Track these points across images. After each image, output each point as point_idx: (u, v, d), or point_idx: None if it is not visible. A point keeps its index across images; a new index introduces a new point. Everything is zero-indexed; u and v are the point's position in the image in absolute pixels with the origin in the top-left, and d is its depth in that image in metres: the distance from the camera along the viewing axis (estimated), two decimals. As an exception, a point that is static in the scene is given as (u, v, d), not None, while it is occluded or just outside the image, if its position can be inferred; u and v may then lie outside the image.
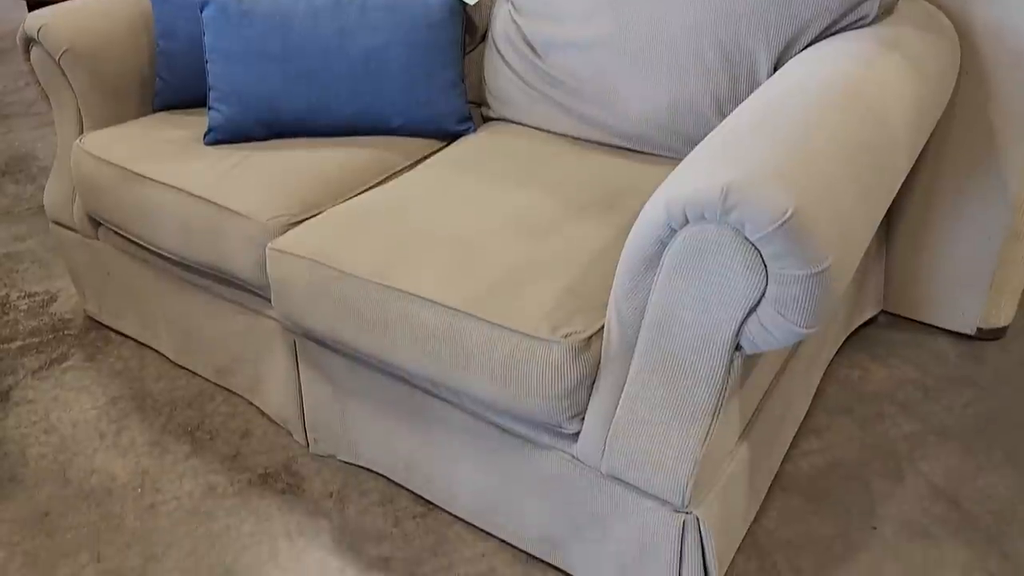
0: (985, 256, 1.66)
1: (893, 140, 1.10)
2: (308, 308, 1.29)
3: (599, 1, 1.47)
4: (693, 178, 0.94)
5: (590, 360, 1.07)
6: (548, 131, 1.61)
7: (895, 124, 1.12)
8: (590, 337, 1.07)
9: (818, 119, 1.03)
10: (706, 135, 1.42)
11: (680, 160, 1.48)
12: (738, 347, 0.99)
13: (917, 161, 1.65)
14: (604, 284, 1.15)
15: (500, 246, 1.22)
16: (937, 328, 1.80)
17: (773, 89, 1.14)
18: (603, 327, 1.08)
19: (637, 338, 1.04)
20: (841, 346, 1.75)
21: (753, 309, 0.95)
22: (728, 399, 1.05)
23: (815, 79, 1.13)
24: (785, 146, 0.96)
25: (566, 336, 1.06)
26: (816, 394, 1.63)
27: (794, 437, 1.52)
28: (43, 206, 2.41)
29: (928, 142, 1.63)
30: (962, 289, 1.72)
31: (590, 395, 1.10)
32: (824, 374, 1.68)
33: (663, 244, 0.98)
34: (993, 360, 1.71)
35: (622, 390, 1.07)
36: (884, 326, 1.82)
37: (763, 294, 0.93)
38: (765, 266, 0.92)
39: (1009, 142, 1.55)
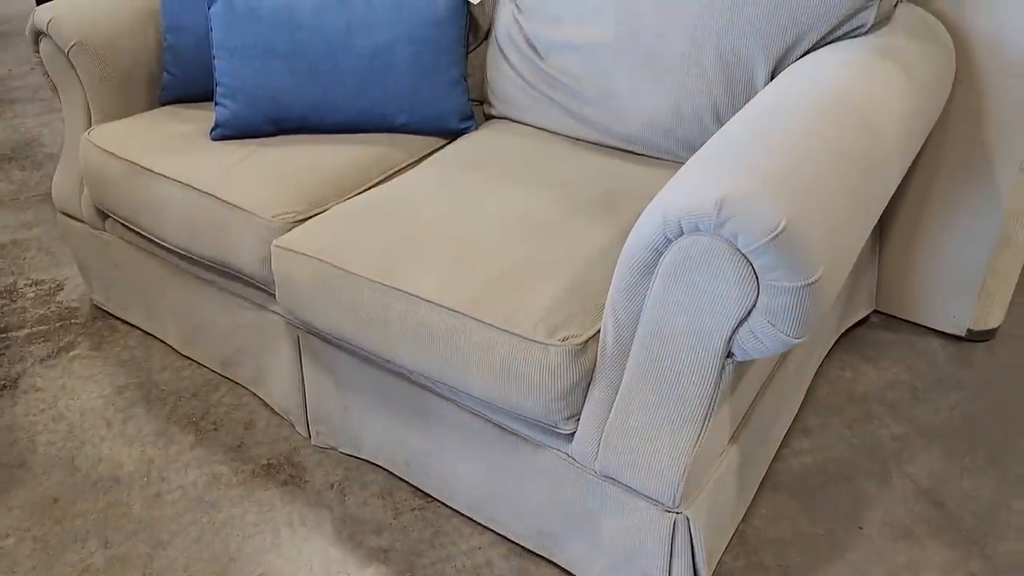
0: (976, 261, 1.69)
1: (885, 151, 1.13)
2: (312, 305, 1.32)
3: (601, 6, 1.49)
4: (688, 189, 0.97)
5: (586, 363, 1.11)
6: (549, 131, 1.63)
7: (887, 135, 1.15)
8: (587, 341, 1.10)
9: (811, 131, 1.06)
10: (704, 140, 1.45)
11: (679, 163, 1.50)
12: (730, 354, 1.03)
13: (911, 166, 1.68)
14: (601, 286, 1.18)
15: (500, 246, 1.25)
16: (928, 329, 1.83)
17: (768, 99, 1.16)
18: (599, 331, 1.11)
19: (632, 343, 1.07)
20: (833, 345, 1.79)
21: (745, 318, 0.98)
22: (719, 404, 1.08)
23: (809, 90, 1.16)
24: (778, 158, 0.99)
25: (563, 340, 1.09)
26: (808, 393, 1.66)
27: (785, 436, 1.56)
28: (49, 193, 2.44)
29: (923, 148, 1.65)
30: (953, 292, 1.75)
31: (585, 397, 1.13)
32: (816, 374, 1.71)
33: (659, 253, 1.01)
34: (981, 363, 1.74)
35: (616, 393, 1.10)
36: (876, 326, 1.85)
37: (755, 304, 0.97)
38: (757, 277, 0.95)
39: (1001, 151, 1.57)
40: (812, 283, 0.92)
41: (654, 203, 1.01)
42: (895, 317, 1.87)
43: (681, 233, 0.98)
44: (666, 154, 1.50)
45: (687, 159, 1.49)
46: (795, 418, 1.60)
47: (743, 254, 0.94)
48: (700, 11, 1.38)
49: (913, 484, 1.47)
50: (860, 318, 1.84)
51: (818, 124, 1.07)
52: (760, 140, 1.04)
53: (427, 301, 1.18)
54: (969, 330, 1.78)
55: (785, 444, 1.55)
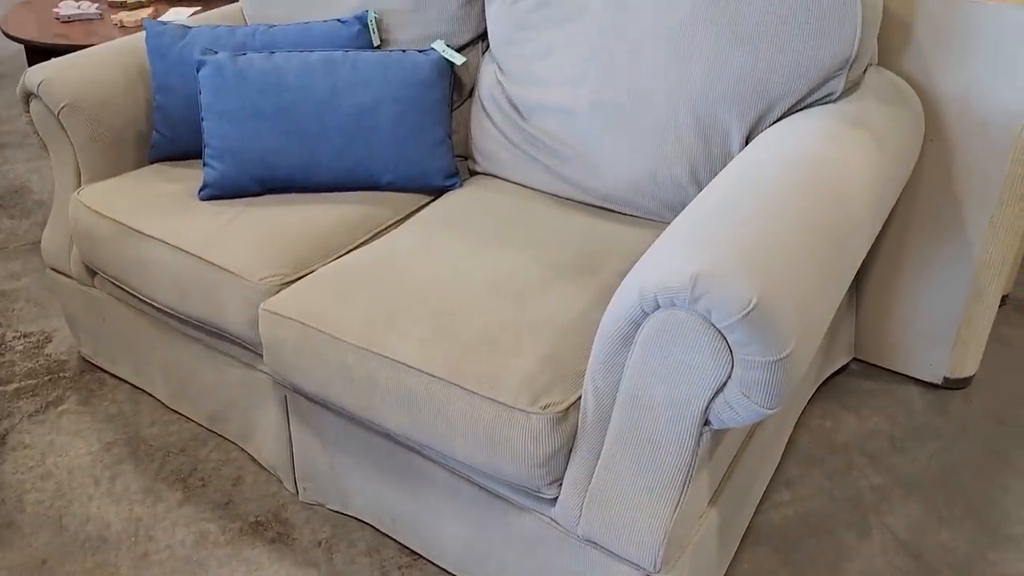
0: (950, 311, 1.73)
1: (854, 220, 1.17)
2: (298, 368, 1.34)
3: (581, 70, 1.53)
4: (664, 265, 1.00)
5: (567, 430, 1.13)
6: (532, 188, 1.67)
7: (856, 204, 1.19)
8: (567, 408, 1.13)
9: (783, 203, 1.09)
10: (681, 200, 1.49)
11: (658, 221, 1.54)
12: (707, 422, 1.05)
13: (886, 220, 1.72)
14: (582, 351, 1.21)
15: (483, 309, 1.28)
16: (906, 377, 1.87)
17: (742, 168, 1.20)
18: (580, 398, 1.14)
19: (612, 411, 1.10)
20: (814, 393, 1.82)
21: (720, 389, 1.01)
22: (698, 470, 1.11)
23: (781, 160, 1.19)
24: (751, 233, 1.03)
25: (545, 407, 1.12)
26: (789, 443, 1.69)
27: (766, 488, 1.58)
28: (39, 241, 2.45)
29: (897, 203, 1.70)
30: (929, 341, 1.79)
31: (567, 463, 1.15)
32: (797, 423, 1.74)
33: (637, 325, 1.04)
34: (957, 411, 1.78)
35: (598, 459, 1.13)
36: (856, 374, 1.89)
37: (729, 376, 0.99)
38: (731, 351, 0.98)
39: (972, 205, 1.62)
40: (784, 358, 0.96)
41: (632, 276, 1.04)
42: (874, 365, 1.90)
43: (657, 307, 1.01)
44: (645, 213, 1.54)
45: (666, 217, 1.53)
46: (776, 468, 1.63)
47: (717, 329, 0.97)
48: (677, 78, 1.42)
49: (892, 536, 1.49)
50: (840, 366, 1.87)
51: (790, 196, 1.11)
52: (733, 214, 1.07)
53: (411, 367, 1.21)
54: (945, 378, 1.81)
55: (767, 496, 1.57)
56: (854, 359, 1.92)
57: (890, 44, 1.57)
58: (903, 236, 1.72)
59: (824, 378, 1.83)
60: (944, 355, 1.79)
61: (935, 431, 1.72)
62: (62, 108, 1.68)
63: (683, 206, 1.49)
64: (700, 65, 1.40)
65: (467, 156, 1.80)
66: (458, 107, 1.81)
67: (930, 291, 1.74)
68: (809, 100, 1.38)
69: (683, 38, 1.41)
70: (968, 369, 1.80)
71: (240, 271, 1.43)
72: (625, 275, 1.38)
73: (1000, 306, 2.10)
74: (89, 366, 1.95)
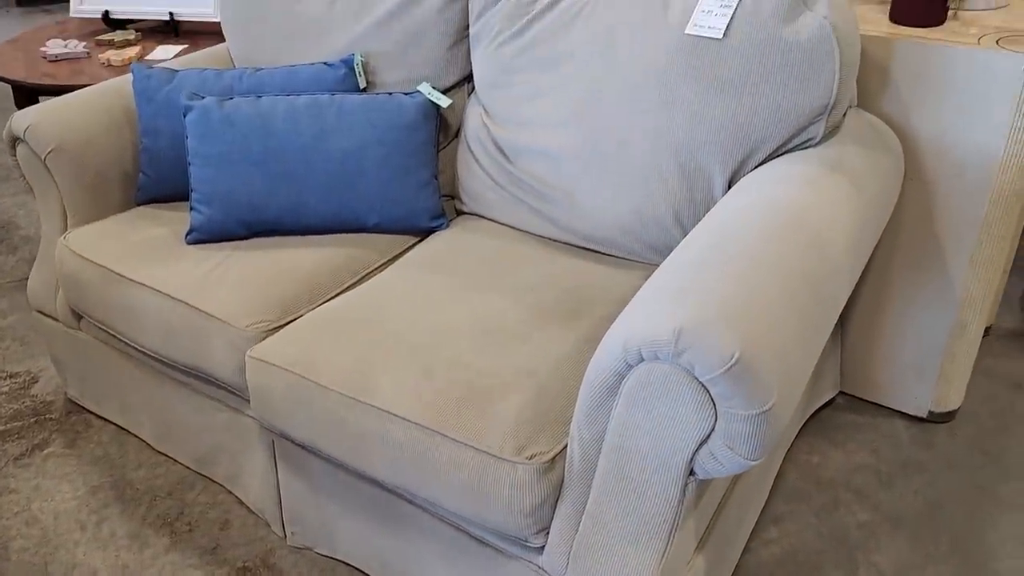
0: (934, 346, 1.74)
1: (834, 267, 1.18)
2: (285, 415, 1.34)
3: (566, 114, 1.55)
4: (648, 318, 1.01)
5: (554, 479, 1.13)
6: (518, 229, 1.68)
7: (837, 252, 1.20)
8: (554, 458, 1.13)
9: (763, 253, 1.11)
10: (666, 242, 1.50)
11: (642, 263, 1.55)
12: (692, 473, 1.06)
13: (869, 257, 1.74)
14: (568, 398, 1.22)
15: (469, 356, 1.28)
16: (892, 410, 1.88)
17: (724, 216, 1.22)
18: (566, 447, 1.15)
19: (598, 460, 1.10)
20: (801, 428, 1.83)
21: (704, 441, 1.02)
22: (684, 519, 1.11)
23: (762, 208, 1.21)
24: (732, 285, 1.04)
25: (531, 457, 1.12)
26: (777, 479, 1.70)
27: (755, 525, 1.59)
28: (25, 279, 2.45)
29: (879, 241, 1.72)
30: (914, 375, 1.80)
31: (554, 512, 1.16)
32: (784, 458, 1.75)
33: (621, 376, 1.04)
34: (942, 444, 1.79)
35: (584, 508, 1.13)
36: (842, 407, 1.90)
37: (713, 428, 1.00)
38: (714, 404, 0.99)
39: (953, 243, 1.64)
40: (766, 411, 0.96)
41: (616, 328, 1.05)
42: (860, 399, 1.91)
43: (641, 360, 1.01)
44: (630, 254, 1.55)
45: (651, 259, 1.54)
46: (764, 505, 1.64)
47: (701, 382, 0.98)
48: (660, 125, 1.44)
49: (879, 574, 1.50)
50: (826, 400, 1.88)
51: (770, 246, 1.12)
52: (715, 265, 1.08)
53: (397, 416, 1.21)
54: (930, 412, 1.83)
55: (755, 533, 1.58)
56: (840, 392, 1.93)
57: (869, 87, 1.59)
58: (887, 272, 1.74)
59: (811, 413, 1.84)
60: (929, 389, 1.80)
61: (921, 465, 1.74)
62: (48, 153, 1.69)
63: (668, 248, 1.51)
64: (682, 112, 1.41)
65: (454, 196, 1.81)
66: (444, 147, 1.82)
67: (914, 326, 1.75)
68: (790, 145, 1.40)
69: (666, 85, 1.42)
70: (952, 403, 1.82)
71: (227, 317, 1.44)
72: (611, 319, 1.39)
73: (984, 337, 2.12)
74: (75, 407, 1.94)
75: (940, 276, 1.68)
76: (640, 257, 1.55)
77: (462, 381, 1.24)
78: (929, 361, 1.77)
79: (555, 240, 1.63)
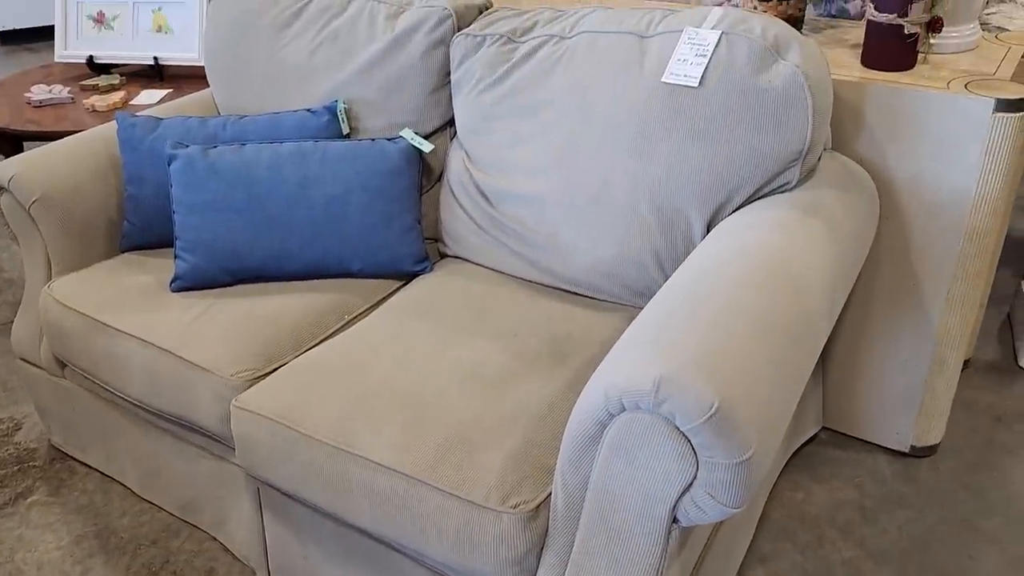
0: (914, 381, 1.77)
1: (811, 311, 1.20)
2: (270, 464, 1.34)
3: (547, 161, 1.57)
4: (629, 368, 1.02)
5: (538, 528, 1.14)
6: (501, 272, 1.69)
7: (813, 294, 1.22)
8: (538, 506, 1.14)
9: (741, 301, 1.12)
10: (648, 285, 1.52)
11: (626, 306, 1.57)
12: (675, 520, 1.07)
13: (849, 293, 1.76)
14: (552, 445, 1.22)
15: (453, 403, 1.29)
16: (875, 445, 1.90)
17: (702, 263, 1.24)
18: (551, 494, 1.15)
19: (582, 508, 1.11)
20: (785, 464, 1.84)
21: (687, 489, 1.03)
22: (669, 565, 1.12)
23: (739, 255, 1.23)
24: (710, 334, 1.05)
25: (515, 507, 1.13)
26: (762, 517, 1.71)
27: (740, 564, 1.59)
28: (9, 322, 2.44)
29: (857, 279, 1.74)
30: (895, 410, 1.82)
31: (539, 560, 1.16)
32: (769, 495, 1.76)
33: (603, 425, 1.06)
34: (924, 479, 1.80)
35: (569, 557, 1.14)
36: (825, 443, 1.91)
37: (695, 477, 1.01)
38: (695, 453, 1.00)
39: (930, 280, 1.66)
40: (747, 459, 0.98)
41: (597, 378, 1.06)
42: (843, 434, 1.93)
43: (623, 409, 1.03)
44: (613, 297, 1.57)
45: (633, 302, 1.55)
46: (749, 544, 1.64)
47: (681, 432, 0.99)
48: (638, 170, 1.46)
49: (865, 613, 1.50)
50: (809, 436, 1.90)
51: (748, 293, 1.14)
52: (694, 314, 1.10)
53: (381, 466, 1.21)
54: (912, 446, 1.84)
55: (741, 573, 1.58)
56: (823, 428, 1.95)
57: (844, 129, 1.62)
58: (866, 308, 1.77)
59: (794, 449, 1.85)
60: (910, 424, 1.82)
61: (904, 500, 1.75)
62: (33, 203, 1.69)
63: (650, 291, 1.52)
64: (660, 158, 1.44)
65: (437, 239, 1.83)
66: (427, 191, 1.84)
67: (893, 361, 1.78)
68: (767, 189, 1.42)
69: (643, 132, 1.45)
70: (934, 437, 1.84)
71: (211, 367, 1.44)
72: (594, 363, 1.40)
73: (963, 370, 2.14)
74: (59, 454, 1.93)
75: (918, 312, 1.70)
76: (622, 300, 1.57)
77: (447, 429, 1.24)
78: (910, 396, 1.79)
79: (538, 283, 1.65)
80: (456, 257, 1.77)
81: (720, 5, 1.75)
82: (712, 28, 1.43)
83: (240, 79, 1.92)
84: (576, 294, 1.61)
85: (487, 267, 1.72)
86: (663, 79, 1.44)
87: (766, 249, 1.24)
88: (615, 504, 1.07)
